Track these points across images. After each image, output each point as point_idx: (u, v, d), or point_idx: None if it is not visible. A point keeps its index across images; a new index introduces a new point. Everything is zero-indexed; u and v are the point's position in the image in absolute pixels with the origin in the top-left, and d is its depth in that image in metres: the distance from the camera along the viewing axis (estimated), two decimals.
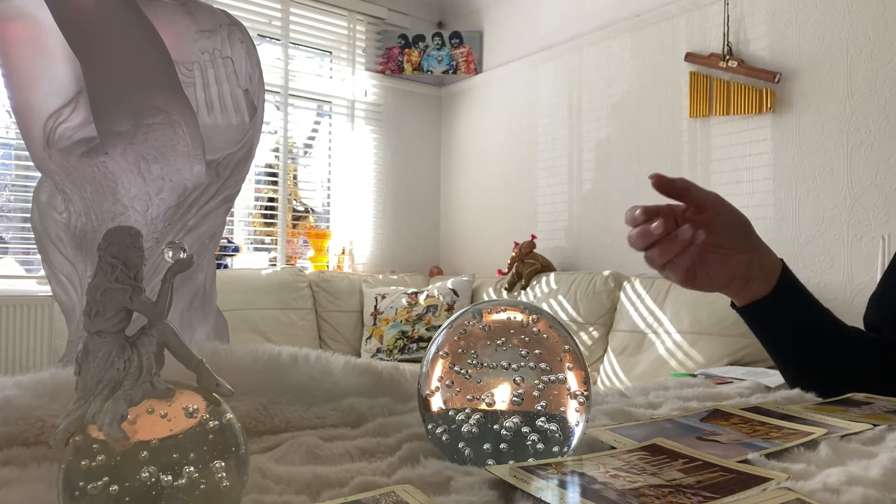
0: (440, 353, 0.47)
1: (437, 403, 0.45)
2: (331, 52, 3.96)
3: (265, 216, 3.80)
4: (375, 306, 3.40)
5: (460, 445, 0.44)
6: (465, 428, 0.44)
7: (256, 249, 3.78)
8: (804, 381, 0.73)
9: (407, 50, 4.04)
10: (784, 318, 0.75)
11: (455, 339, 0.46)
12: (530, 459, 0.43)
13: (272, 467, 0.43)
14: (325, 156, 4.02)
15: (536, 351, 0.45)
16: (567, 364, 0.45)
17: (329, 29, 3.89)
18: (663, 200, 0.69)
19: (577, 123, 3.39)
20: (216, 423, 0.35)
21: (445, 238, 4.24)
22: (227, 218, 0.85)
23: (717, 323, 2.36)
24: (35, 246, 0.77)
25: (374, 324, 3.36)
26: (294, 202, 3.96)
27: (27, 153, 0.79)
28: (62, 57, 0.73)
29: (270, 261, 3.76)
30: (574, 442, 0.45)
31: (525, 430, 0.43)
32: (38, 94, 0.74)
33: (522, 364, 0.44)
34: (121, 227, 0.35)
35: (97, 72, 0.68)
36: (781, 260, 0.76)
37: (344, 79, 3.95)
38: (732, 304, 0.78)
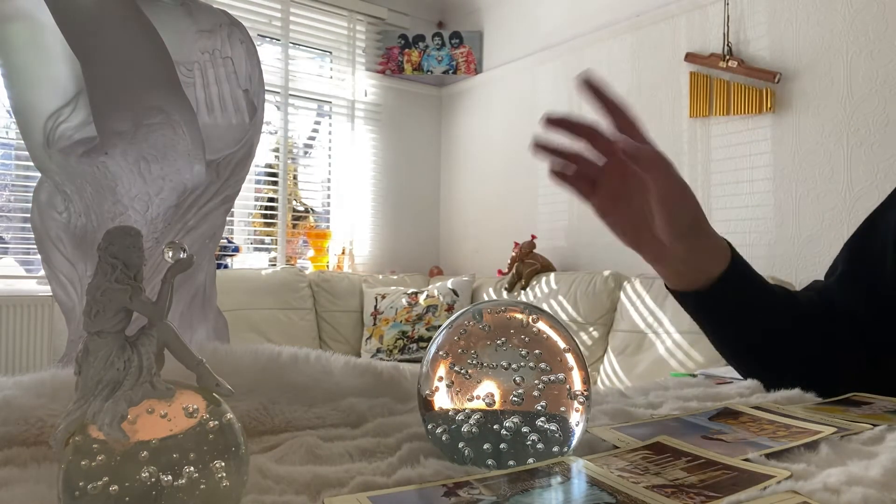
0: (440, 353, 0.47)
1: (437, 403, 0.45)
2: (331, 53, 3.96)
3: (265, 216, 3.80)
4: (375, 306, 3.40)
5: (460, 445, 0.44)
6: (465, 428, 0.43)
7: (256, 249, 3.78)
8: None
9: (407, 50, 4.04)
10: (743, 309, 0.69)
11: (455, 339, 0.46)
12: (530, 460, 0.43)
13: (272, 467, 0.43)
14: (325, 156, 4.02)
15: (536, 351, 0.45)
16: (567, 364, 0.45)
17: (329, 29, 3.90)
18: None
19: None
20: (216, 423, 0.35)
21: (445, 238, 4.24)
22: (227, 218, 0.85)
23: None
24: (35, 246, 0.77)
25: (374, 324, 3.36)
26: (294, 202, 3.96)
27: (27, 153, 0.79)
28: (62, 57, 0.73)
29: (270, 261, 3.76)
30: (574, 442, 0.45)
31: (525, 430, 0.43)
32: (38, 94, 0.74)
33: (522, 364, 0.44)
34: (121, 227, 0.35)
35: (97, 72, 0.68)
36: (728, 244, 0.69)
37: (344, 79, 3.95)
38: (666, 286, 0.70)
